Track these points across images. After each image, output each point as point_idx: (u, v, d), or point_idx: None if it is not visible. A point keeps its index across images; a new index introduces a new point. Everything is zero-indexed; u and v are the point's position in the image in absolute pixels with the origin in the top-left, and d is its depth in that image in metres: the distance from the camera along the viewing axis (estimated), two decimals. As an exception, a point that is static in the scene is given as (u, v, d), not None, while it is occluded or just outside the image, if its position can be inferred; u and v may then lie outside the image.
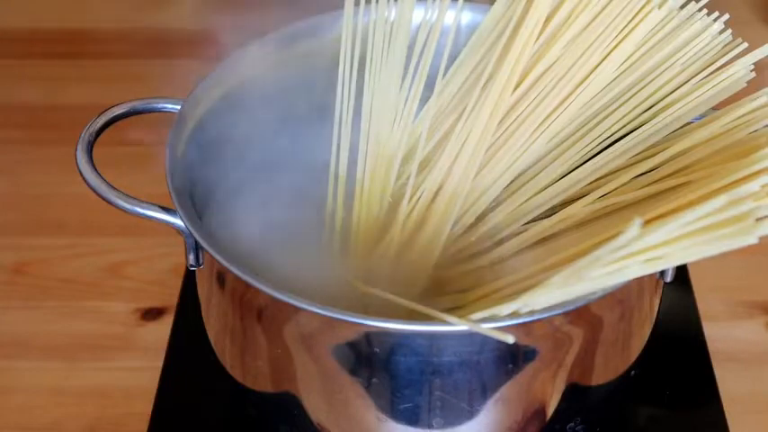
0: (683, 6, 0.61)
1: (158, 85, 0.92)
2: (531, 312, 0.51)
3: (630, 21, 0.60)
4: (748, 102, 0.57)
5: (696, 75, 0.61)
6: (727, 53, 0.60)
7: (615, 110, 0.61)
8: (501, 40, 0.62)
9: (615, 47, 0.60)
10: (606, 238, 0.53)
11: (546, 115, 0.61)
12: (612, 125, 0.61)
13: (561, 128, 0.62)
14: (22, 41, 1.00)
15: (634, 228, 0.45)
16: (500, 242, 0.61)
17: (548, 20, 0.61)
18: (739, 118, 0.57)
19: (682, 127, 0.60)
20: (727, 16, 0.60)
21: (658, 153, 0.58)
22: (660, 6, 0.59)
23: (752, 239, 0.45)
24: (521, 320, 0.51)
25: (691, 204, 0.50)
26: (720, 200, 0.45)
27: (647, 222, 0.48)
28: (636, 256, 0.47)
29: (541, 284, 0.49)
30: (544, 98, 0.61)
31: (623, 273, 0.48)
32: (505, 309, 0.50)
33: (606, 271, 0.48)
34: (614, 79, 0.61)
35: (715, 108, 0.60)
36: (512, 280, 0.55)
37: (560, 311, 0.51)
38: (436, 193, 0.63)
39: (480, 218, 0.63)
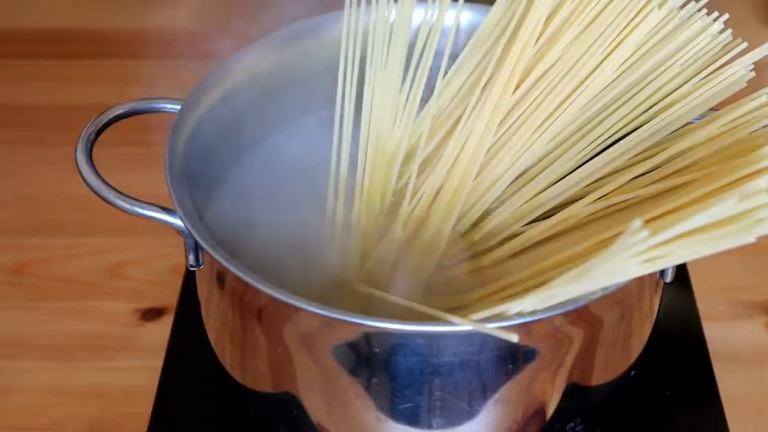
0: (683, 6, 0.61)
1: (158, 85, 0.93)
2: (534, 312, 0.51)
3: (631, 21, 0.60)
4: (748, 102, 0.57)
5: (696, 75, 0.61)
6: (727, 53, 0.60)
7: (615, 110, 0.61)
8: (501, 40, 0.62)
9: (615, 47, 0.60)
10: (607, 238, 0.53)
11: (547, 115, 0.61)
12: (613, 125, 0.61)
13: (562, 128, 0.62)
14: (22, 41, 1.00)
15: (641, 228, 0.45)
16: (501, 242, 0.61)
17: (548, 20, 0.61)
18: (739, 118, 0.57)
19: (682, 127, 0.60)
20: (726, 16, 0.60)
21: (658, 153, 0.58)
22: (660, 6, 0.59)
23: (750, 239, 0.45)
24: (523, 320, 0.51)
25: (691, 204, 0.50)
26: (731, 199, 0.45)
27: (648, 222, 0.48)
28: (637, 256, 0.47)
29: (546, 284, 0.49)
30: (545, 98, 0.61)
31: (623, 273, 0.48)
32: (510, 308, 0.50)
33: (606, 271, 0.48)
34: (614, 79, 0.61)
35: (715, 108, 0.60)
36: (513, 280, 0.55)
37: (560, 311, 0.51)
38: (437, 194, 0.63)
39: (481, 218, 0.63)
